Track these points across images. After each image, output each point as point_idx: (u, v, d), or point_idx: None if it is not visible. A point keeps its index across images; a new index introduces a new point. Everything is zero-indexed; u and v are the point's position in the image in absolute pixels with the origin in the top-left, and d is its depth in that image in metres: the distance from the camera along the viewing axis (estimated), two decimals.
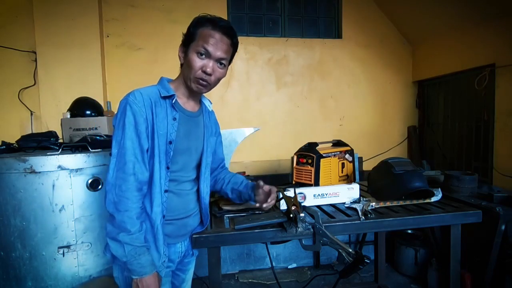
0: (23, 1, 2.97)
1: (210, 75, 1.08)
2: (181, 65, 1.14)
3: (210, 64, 1.07)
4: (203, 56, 1.06)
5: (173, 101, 1.10)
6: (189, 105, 1.18)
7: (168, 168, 1.10)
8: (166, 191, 1.10)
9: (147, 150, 1.06)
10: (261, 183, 1.26)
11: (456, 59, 3.16)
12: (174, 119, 1.10)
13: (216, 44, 1.06)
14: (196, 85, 1.10)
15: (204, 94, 1.23)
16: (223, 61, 1.10)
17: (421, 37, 3.65)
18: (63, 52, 2.97)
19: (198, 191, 1.25)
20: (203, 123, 1.24)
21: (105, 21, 3.22)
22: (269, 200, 1.22)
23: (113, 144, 1.04)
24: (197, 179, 1.24)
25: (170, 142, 1.08)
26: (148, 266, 1.02)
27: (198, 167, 1.24)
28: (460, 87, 3.32)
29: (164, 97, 1.09)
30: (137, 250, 1.00)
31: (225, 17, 3.48)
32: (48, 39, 2.94)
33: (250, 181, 1.36)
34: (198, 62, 1.06)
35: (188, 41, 1.09)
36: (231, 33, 1.10)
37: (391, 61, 3.86)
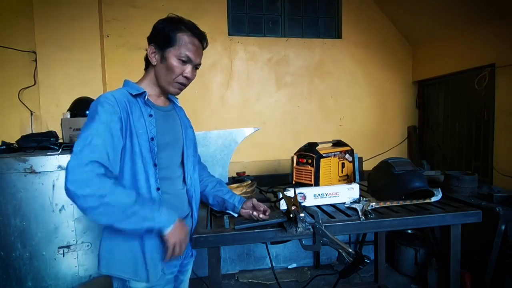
0: (23, 1, 2.97)
1: (190, 79, 1.14)
2: (150, 65, 1.15)
3: (190, 69, 1.12)
4: (184, 62, 1.11)
5: (145, 98, 1.10)
6: (161, 101, 1.20)
7: (155, 165, 1.08)
8: (158, 189, 1.09)
9: (122, 149, 1.02)
10: (258, 204, 1.31)
11: (456, 59, 3.16)
12: (150, 115, 1.10)
13: (196, 51, 1.12)
14: (175, 89, 1.15)
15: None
16: (198, 66, 1.17)
17: (421, 37, 3.65)
18: (63, 52, 2.97)
19: (186, 190, 1.24)
20: (177, 116, 1.26)
21: (105, 21, 3.22)
22: (261, 215, 1.27)
23: (76, 143, 0.96)
24: (183, 175, 1.24)
25: (152, 139, 1.08)
26: (167, 213, 1.01)
27: (182, 162, 1.24)
28: (460, 87, 3.32)
29: (135, 95, 1.09)
30: (152, 209, 0.98)
31: (225, 17, 3.49)
32: (48, 39, 2.94)
33: (236, 194, 1.40)
34: (179, 68, 1.10)
35: (165, 44, 1.09)
36: (205, 39, 1.17)
37: (391, 61, 3.86)
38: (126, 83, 1.15)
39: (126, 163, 1.03)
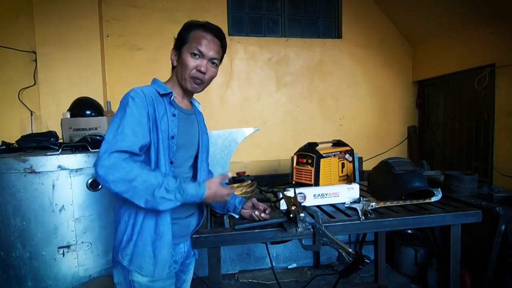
0: (23, 1, 2.97)
1: (204, 73, 1.15)
2: (174, 67, 1.21)
3: (204, 63, 1.14)
4: (197, 57, 1.14)
5: (171, 98, 1.14)
6: (184, 104, 1.23)
7: (172, 163, 1.12)
8: None
9: (149, 146, 1.07)
10: (258, 204, 1.32)
11: (456, 59, 3.16)
12: (174, 115, 1.14)
13: (208, 45, 1.14)
14: (191, 84, 1.16)
15: (194, 96, 1.29)
16: (215, 61, 1.18)
17: (421, 37, 3.65)
18: (63, 52, 2.97)
19: None
20: (197, 121, 1.29)
21: (105, 21, 3.22)
22: (263, 215, 1.28)
23: (108, 131, 1.01)
24: (194, 177, 1.27)
25: (173, 137, 1.12)
26: (197, 187, 1.05)
27: (193, 165, 1.27)
28: (460, 87, 3.32)
29: (162, 95, 1.13)
30: (179, 189, 1.01)
31: (225, 17, 3.48)
32: (48, 39, 2.94)
33: (236, 196, 1.42)
34: (192, 62, 1.13)
35: (180, 44, 1.15)
36: (221, 35, 1.18)
37: (391, 61, 3.85)
38: (155, 81, 1.19)
39: (151, 157, 1.08)
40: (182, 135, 1.16)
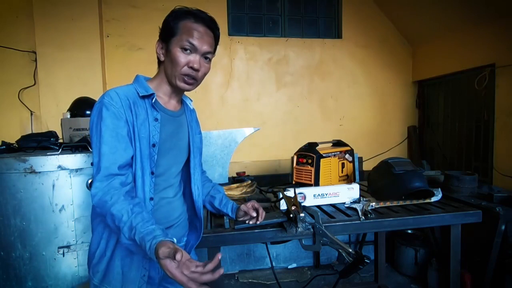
0: (23, 1, 2.97)
1: (197, 70, 1.01)
2: (160, 62, 1.06)
3: (196, 59, 1.00)
4: (188, 51, 0.99)
5: (153, 101, 1.01)
6: (171, 105, 1.09)
7: (152, 173, 1.00)
8: (151, 198, 1.00)
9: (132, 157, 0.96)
10: (249, 209, 1.22)
11: (456, 59, 3.16)
12: (156, 119, 1.01)
13: (201, 37, 0.99)
14: (182, 83, 1.02)
15: (186, 93, 1.15)
16: (209, 55, 1.04)
17: (421, 37, 3.65)
18: (63, 52, 2.97)
19: (190, 195, 1.18)
20: (186, 122, 1.16)
21: (105, 21, 3.22)
22: (259, 217, 1.22)
23: (93, 153, 0.95)
24: (188, 182, 1.18)
25: (154, 145, 1.00)
26: (151, 241, 0.82)
27: (185, 170, 1.17)
28: (460, 87, 3.32)
29: (143, 97, 1.00)
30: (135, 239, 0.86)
31: (225, 17, 3.49)
32: (48, 39, 2.94)
33: (229, 199, 1.31)
34: (183, 57, 0.99)
35: (168, 36, 1.00)
36: (214, 25, 1.04)
37: (391, 61, 3.86)
38: (137, 79, 1.05)
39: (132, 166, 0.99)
40: (166, 140, 1.04)
